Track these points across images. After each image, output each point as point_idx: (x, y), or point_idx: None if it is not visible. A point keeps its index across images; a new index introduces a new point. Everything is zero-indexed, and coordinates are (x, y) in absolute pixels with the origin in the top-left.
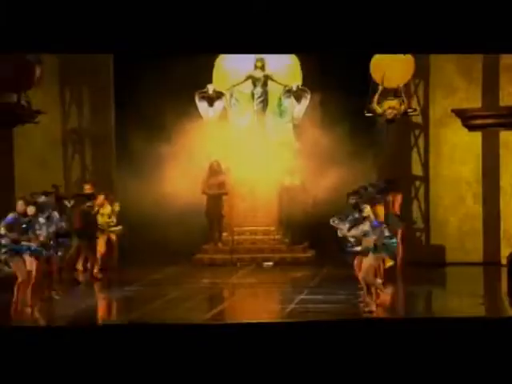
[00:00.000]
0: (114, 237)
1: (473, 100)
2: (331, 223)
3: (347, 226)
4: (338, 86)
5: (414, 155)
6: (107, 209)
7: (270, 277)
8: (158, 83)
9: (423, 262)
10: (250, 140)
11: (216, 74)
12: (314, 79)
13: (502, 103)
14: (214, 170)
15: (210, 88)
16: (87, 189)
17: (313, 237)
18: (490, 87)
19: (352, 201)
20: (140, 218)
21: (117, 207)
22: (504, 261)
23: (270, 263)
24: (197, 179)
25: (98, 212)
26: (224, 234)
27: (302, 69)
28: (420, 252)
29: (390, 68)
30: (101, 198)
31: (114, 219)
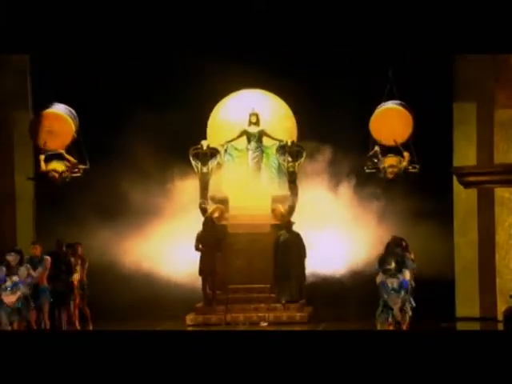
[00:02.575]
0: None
1: (469, 157)
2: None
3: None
4: (347, 143)
5: None
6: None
7: None
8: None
9: None
10: (245, 196)
11: (210, 129)
12: (318, 135)
13: (496, 160)
14: (209, 226)
15: (204, 144)
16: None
17: (310, 293)
18: (485, 144)
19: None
20: (128, 274)
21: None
22: (500, 316)
23: (266, 323)
24: (191, 235)
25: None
26: (218, 293)
27: (305, 122)
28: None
29: (389, 125)
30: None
31: None
